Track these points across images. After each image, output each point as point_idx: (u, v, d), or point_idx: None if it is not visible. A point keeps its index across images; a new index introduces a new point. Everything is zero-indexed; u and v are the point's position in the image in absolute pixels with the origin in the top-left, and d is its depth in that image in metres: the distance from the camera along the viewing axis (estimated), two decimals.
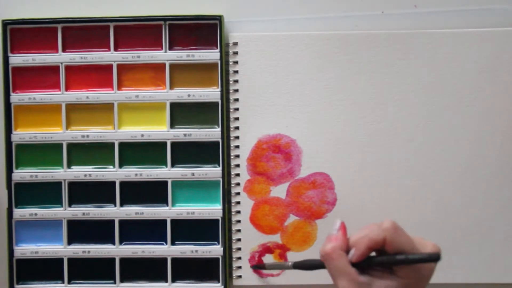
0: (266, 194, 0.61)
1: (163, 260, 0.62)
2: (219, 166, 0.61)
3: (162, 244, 0.62)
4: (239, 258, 0.62)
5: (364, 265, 0.42)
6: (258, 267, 0.61)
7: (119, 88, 0.62)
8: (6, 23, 0.61)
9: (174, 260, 0.62)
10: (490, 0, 0.61)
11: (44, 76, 0.62)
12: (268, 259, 0.62)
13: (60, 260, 0.62)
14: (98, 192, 0.62)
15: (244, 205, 0.61)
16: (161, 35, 0.61)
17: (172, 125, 0.62)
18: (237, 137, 0.61)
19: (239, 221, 0.61)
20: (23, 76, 0.62)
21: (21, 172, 0.62)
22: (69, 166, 0.62)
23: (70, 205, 0.62)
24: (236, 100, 0.61)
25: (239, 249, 0.62)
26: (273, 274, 0.62)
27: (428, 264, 0.41)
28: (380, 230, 0.41)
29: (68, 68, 0.62)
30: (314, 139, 0.61)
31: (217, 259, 0.61)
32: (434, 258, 0.40)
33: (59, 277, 0.62)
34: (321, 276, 0.62)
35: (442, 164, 0.61)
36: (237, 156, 0.61)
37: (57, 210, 0.62)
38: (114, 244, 0.62)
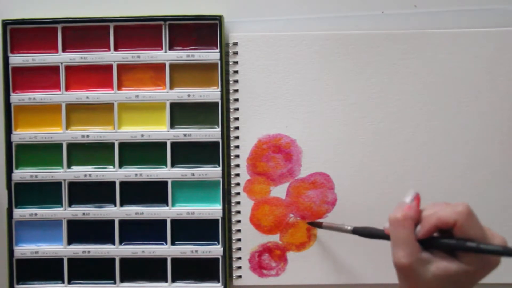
0: (266, 194, 0.61)
1: (163, 260, 0.62)
2: (219, 166, 0.61)
3: (162, 244, 0.62)
4: (239, 258, 0.62)
5: (429, 243, 0.40)
6: (314, 224, 0.60)
7: (119, 88, 0.62)
8: (6, 23, 0.61)
9: (174, 260, 0.62)
10: (490, 0, 0.61)
11: (44, 76, 0.62)
12: (268, 258, 0.62)
13: (60, 260, 0.62)
14: (98, 192, 0.62)
15: (244, 205, 0.61)
16: (161, 35, 0.61)
17: (172, 125, 0.62)
18: (237, 137, 0.61)
19: (239, 221, 0.61)
20: (23, 76, 0.62)
21: (21, 172, 0.62)
22: (69, 166, 0.62)
23: (70, 205, 0.62)
24: (236, 100, 0.61)
25: (239, 249, 0.62)
26: (274, 274, 0.62)
27: (495, 256, 0.40)
28: (453, 212, 0.39)
29: (68, 68, 0.62)
30: (314, 139, 0.61)
31: (217, 259, 0.61)
32: (509, 252, 0.38)
33: (59, 277, 0.62)
34: (321, 276, 0.62)
35: (442, 164, 0.61)
36: (237, 156, 0.61)
37: (57, 210, 0.62)
38: (114, 244, 0.62)
